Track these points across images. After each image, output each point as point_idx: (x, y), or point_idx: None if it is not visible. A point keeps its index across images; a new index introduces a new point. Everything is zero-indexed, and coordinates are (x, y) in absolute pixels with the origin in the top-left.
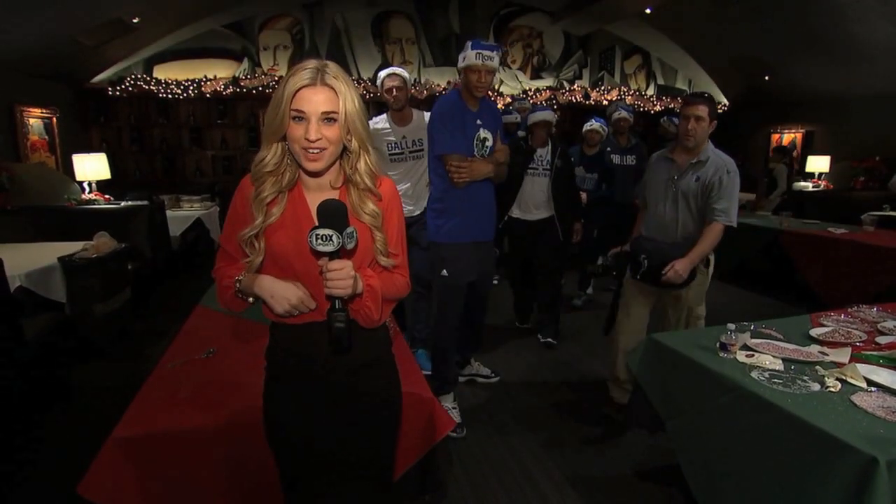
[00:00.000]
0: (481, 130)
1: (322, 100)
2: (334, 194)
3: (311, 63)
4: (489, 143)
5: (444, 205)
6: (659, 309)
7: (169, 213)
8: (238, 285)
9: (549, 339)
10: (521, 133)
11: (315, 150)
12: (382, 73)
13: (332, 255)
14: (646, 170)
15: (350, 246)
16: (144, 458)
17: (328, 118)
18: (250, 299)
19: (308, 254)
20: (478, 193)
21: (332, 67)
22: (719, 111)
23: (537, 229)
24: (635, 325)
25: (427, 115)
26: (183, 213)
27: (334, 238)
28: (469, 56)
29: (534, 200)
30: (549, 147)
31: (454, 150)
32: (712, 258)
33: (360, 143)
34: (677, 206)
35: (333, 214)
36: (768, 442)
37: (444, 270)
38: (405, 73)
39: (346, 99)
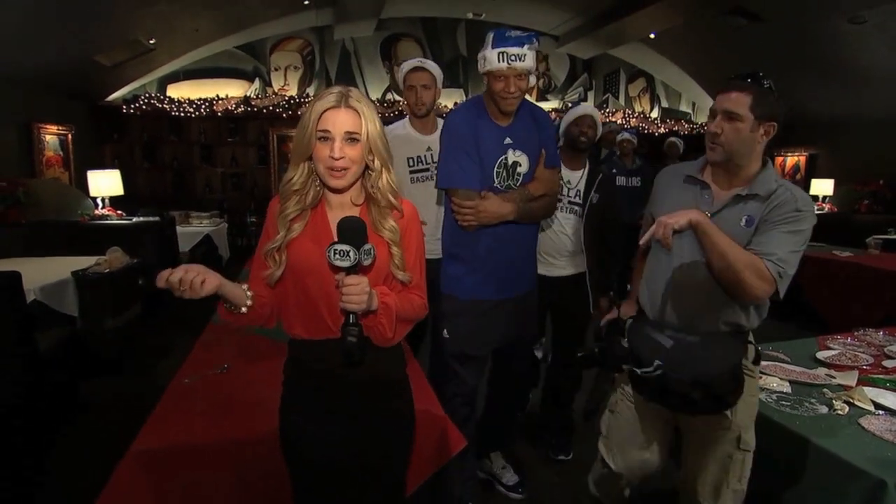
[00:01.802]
0: (511, 153)
1: (346, 120)
2: (356, 211)
3: (336, 88)
4: (523, 170)
5: (453, 245)
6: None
7: (178, 228)
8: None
9: (563, 456)
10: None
11: (339, 169)
12: (405, 66)
13: (349, 271)
14: (652, 193)
15: (367, 262)
16: (163, 471)
17: (351, 138)
18: (243, 308)
19: (323, 270)
20: (501, 235)
21: (355, 92)
22: None
23: (558, 291)
24: (634, 457)
25: None
26: (192, 230)
27: (351, 254)
28: (489, 57)
29: (556, 246)
30: (586, 171)
31: (460, 182)
32: (758, 351)
33: (382, 162)
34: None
35: (352, 231)
36: (776, 464)
37: (445, 331)
38: (436, 69)
39: (368, 120)
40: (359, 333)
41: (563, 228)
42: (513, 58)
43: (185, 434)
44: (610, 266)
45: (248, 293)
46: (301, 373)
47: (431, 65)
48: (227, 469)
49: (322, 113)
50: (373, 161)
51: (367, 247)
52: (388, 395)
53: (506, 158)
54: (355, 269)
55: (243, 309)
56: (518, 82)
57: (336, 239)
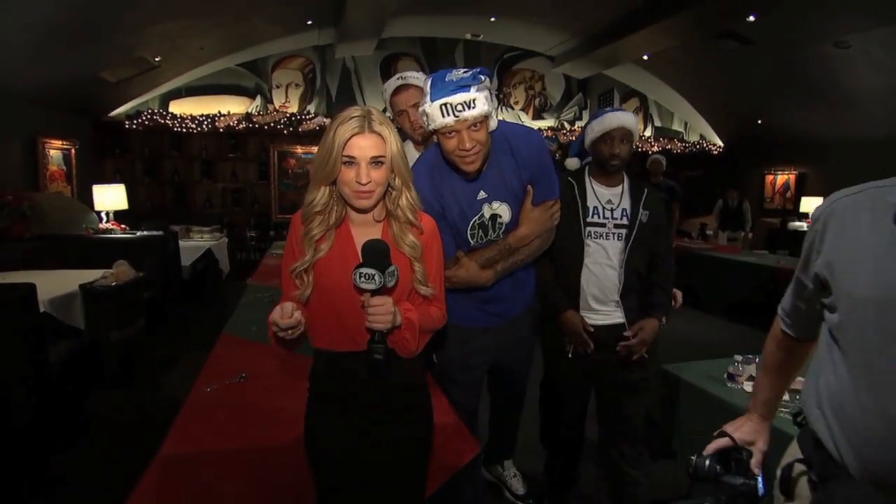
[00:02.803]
0: (487, 207)
1: (370, 145)
2: (378, 227)
3: (357, 111)
4: (505, 220)
5: None
6: None
7: (180, 243)
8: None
9: None
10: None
11: (365, 192)
12: (387, 89)
13: (374, 292)
14: (822, 234)
15: (391, 284)
16: (189, 475)
17: (376, 162)
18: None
19: (350, 287)
20: None
21: (376, 114)
22: (714, 153)
23: (602, 345)
24: None
25: None
26: (193, 244)
27: (376, 277)
28: (431, 113)
29: (602, 286)
30: (626, 185)
31: None
32: None
33: (403, 181)
34: None
35: (377, 254)
36: (775, 467)
37: (434, 356)
38: (422, 79)
39: (391, 143)
40: (384, 350)
41: (610, 260)
42: (459, 108)
43: (210, 440)
44: (665, 283)
45: (303, 320)
46: (326, 382)
47: (414, 76)
48: (250, 474)
49: (347, 139)
50: (394, 180)
51: (391, 269)
52: (410, 402)
53: (482, 216)
54: (380, 290)
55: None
56: (473, 134)
57: (359, 265)
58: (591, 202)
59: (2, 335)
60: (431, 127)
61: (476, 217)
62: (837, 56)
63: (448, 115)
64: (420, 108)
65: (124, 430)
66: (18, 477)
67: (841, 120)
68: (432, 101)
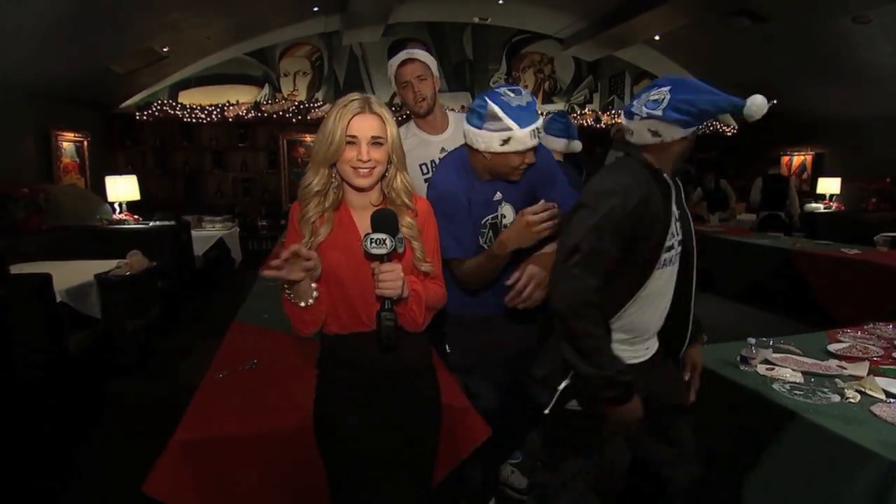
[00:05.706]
0: (499, 208)
1: (371, 125)
2: None
3: (356, 95)
4: (507, 220)
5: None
6: None
7: (192, 233)
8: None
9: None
10: None
11: (365, 169)
12: (393, 63)
13: (384, 259)
14: None
15: (401, 250)
16: (202, 459)
17: (377, 142)
18: (302, 303)
19: (356, 268)
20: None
21: (375, 98)
22: (728, 134)
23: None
24: None
25: (464, 117)
26: (205, 233)
27: (388, 241)
28: (521, 138)
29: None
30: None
31: (452, 252)
32: None
33: (399, 163)
34: None
35: (386, 220)
36: (790, 450)
37: (447, 346)
38: (427, 57)
39: (391, 125)
40: (394, 318)
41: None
42: (540, 130)
43: (222, 425)
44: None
45: (315, 293)
46: (335, 365)
47: (421, 54)
48: (262, 457)
49: (350, 120)
50: (392, 159)
51: (399, 235)
52: (418, 383)
53: (495, 217)
54: (389, 256)
55: (302, 303)
56: (529, 156)
57: (369, 232)
58: None
59: (21, 324)
60: (514, 149)
61: (490, 216)
62: (856, 32)
63: (535, 137)
64: (496, 133)
65: (140, 415)
66: (39, 461)
67: (859, 98)
68: (521, 127)
